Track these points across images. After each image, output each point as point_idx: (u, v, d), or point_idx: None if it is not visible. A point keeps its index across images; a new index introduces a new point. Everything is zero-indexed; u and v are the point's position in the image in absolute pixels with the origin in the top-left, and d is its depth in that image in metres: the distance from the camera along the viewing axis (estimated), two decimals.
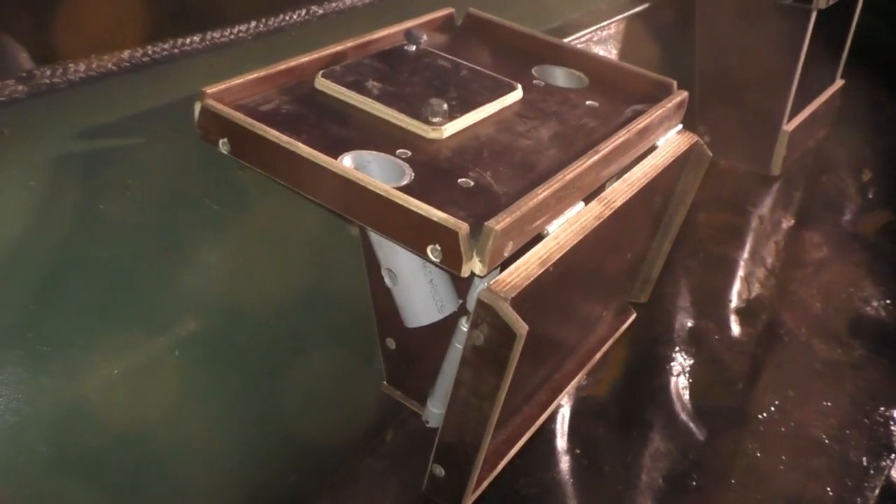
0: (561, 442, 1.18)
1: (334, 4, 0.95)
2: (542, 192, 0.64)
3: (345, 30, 0.85)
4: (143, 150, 0.70)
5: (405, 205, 0.60)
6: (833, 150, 1.89)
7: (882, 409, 1.27)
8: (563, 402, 1.21)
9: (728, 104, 1.54)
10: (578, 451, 1.18)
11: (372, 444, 0.98)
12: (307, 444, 0.84)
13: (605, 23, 1.29)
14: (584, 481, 1.14)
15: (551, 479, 1.13)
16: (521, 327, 0.60)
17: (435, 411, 0.83)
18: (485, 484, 0.77)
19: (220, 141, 0.69)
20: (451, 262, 0.59)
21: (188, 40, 0.80)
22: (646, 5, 1.42)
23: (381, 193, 0.61)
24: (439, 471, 0.74)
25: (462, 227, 0.58)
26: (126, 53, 0.74)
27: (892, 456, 1.20)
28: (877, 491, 1.15)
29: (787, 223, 1.71)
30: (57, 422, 0.59)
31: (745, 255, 1.57)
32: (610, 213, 0.72)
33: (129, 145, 0.69)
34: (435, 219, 0.59)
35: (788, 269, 1.60)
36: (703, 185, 0.89)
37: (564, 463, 1.16)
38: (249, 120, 0.67)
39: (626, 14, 1.35)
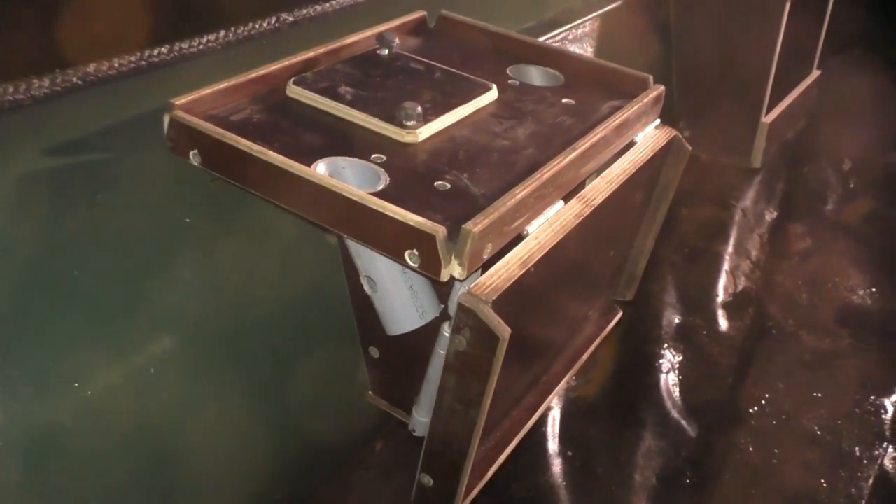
0: (552, 444, 1.17)
1: (304, 11, 0.93)
2: (520, 192, 0.63)
3: (316, 36, 0.84)
4: (111, 164, 0.68)
5: (381, 210, 0.59)
6: (812, 140, 1.89)
7: (872, 397, 1.27)
8: (552, 404, 1.20)
9: (707, 98, 1.54)
10: (570, 453, 1.17)
11: (361, 455, 0.96)
12: (294, 459, 0.83)
13: (579, 21, 1.28)
14: (577, 483, 1.13)
15: (544, 482, 1.12)
16: (504, 330, 0.58)
17: (421, 420, 0.81)
18: (475, 492, 0.75)
19: (191, 152, 0.67)
20: (429, 267, 0.58)
21: (156, 52, 0.78)
22: (620, 2, 1.41)
23: (357, 199, 0.60)
24: (427, 480, 0.72)
25: (439, 231, 0.57)
26: (91, 67, 0.73)
27: (885, 445, 1.20)
28: (870, 481, 1.14)
29: (771, 215, 1.72)
30: (28, 448, 0.57)
31: (730, 248, 1.57)
32: (590, 210, 0.71)
33: (96, 160, 0.68)
34: (411, 223, 0.58)
35: (773, 261, 1.60)
36: (684, 179, 0.89)
37: (557, 465, 1.15)
38: (220, 130, 0.65)
39: (600, 11, 1.35)
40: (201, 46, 0.82)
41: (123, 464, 0.64)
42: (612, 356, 1.31)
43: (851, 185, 1.84)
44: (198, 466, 0.72)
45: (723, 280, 1.50)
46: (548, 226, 0.67)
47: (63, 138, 0.68)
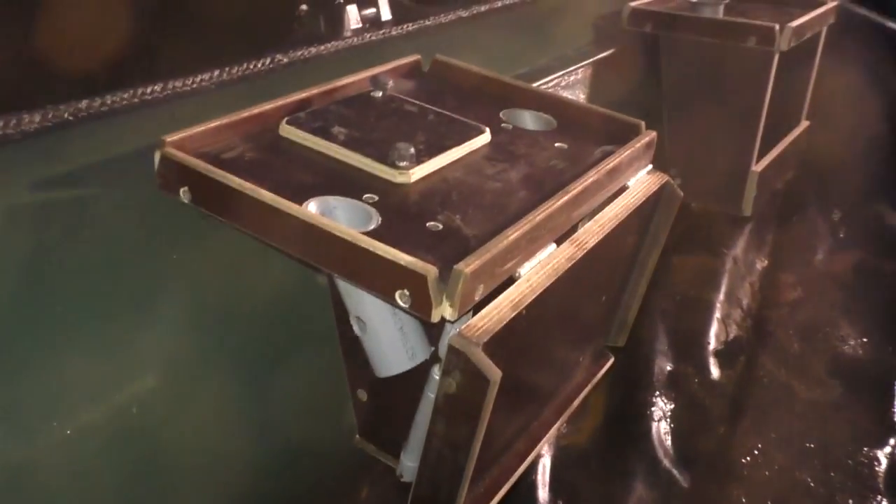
0: (542, 493, 1.14)
1: (299, 53, 0.94)
2: (513, 234, 0.62)
3: (310, 78, 0.84)
4: (99, 200, 0.68)
5: (372, 249, 0.58)
6: (802, 190, 1.90)
7: (865, 449, 1.25)
8: (543, 452, 1.18)
9: (697, 146, 1.55)
10: (561, 503, 1.15)
11: (344, 502, 0.94)
12: (279, 502, 0.81)
13: (572, 68, 1.30)
14: None
15: None
16: (495, 373, 0.57)
17: (409, 465, 0.80)
18: None
19: (181, 189, 0.67)
20: (420, 308, 0.57)
21: (149, 89, 0.78)
22: (612, 51, 1.43)
23: (348, 238, 0.59)
24: None
25: (430, 271, 0.56)
26: (84, 103, 0.73)
27: (879, 498, 1.18)
28: None
29: (761, 264, 1.71)
30: (3, 489, 0.55)
31: (721, 296, 1.56)
32: (582, 254, 0.71)
33: (85, 196, 0.67)
34: (403, 263, 0.57)
35: (765, 309, 1.59)
36: (675, 227, 0.88)
37: None
38: (210, 167, 0.65)
39: (592, 59, 1.36)
40: (195, 85, 0.82)
41: (100, 500, 0.62)
42: (602, 403, 1.30)
43: (841, 235, 1.85)
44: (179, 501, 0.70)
45: (714, 328, 1.49)
46: (540, 268, 0.66)
47: (53, 173, 0.68)
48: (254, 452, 0.76)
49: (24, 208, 0.64)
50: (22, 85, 0.73)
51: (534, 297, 0.64)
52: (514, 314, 0.62)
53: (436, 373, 0.72)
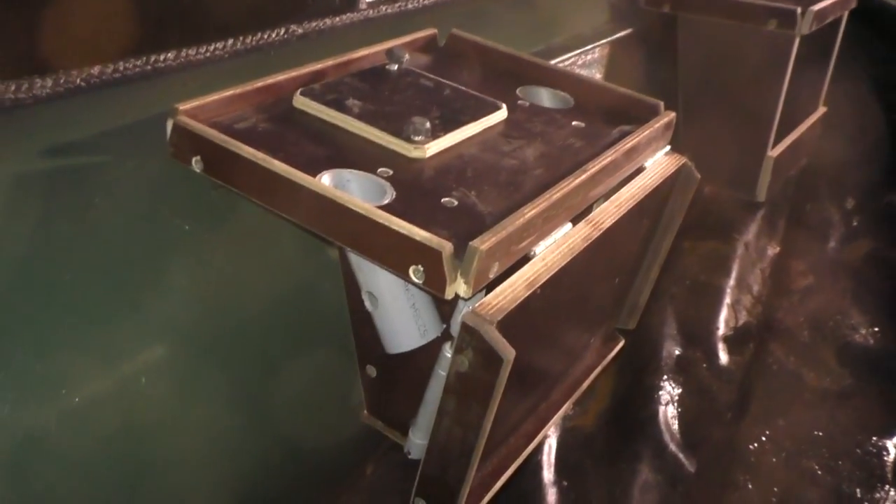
0: (548, 474, 1.14)
1: (314, 24, 0.93)
2: (529, 212, 0.61)
3: (325, 49, 0.83)
4: (111, 168, 0.67)
5: (386, 224, 0.57)
6: (816, 177, 1.88)
7: (874, 438, 1.25)
8: (549, 433, 1.18)
9: (713, 129, 1.53)
10: (566, 484, 1.14)
11: (351, 478, 0.94)
12: (283, 479, 0.80)
13: (588, 47, 1.28)
14: None
15: None
16: (509, 352, 0.57)
17: (417, 442, 0.79)
18: None
19: (193, 159, 0.66)
20: (434, 284, 0.57)
21: (161, 57, 0.77)
22: (629, 31, 1.41)
23: (361, 212, 0.58)
24: None
25: (446, 247, 0.55)
26: (96, 69, 0.72)
27: (887, 488, 1.17)
28: None
29: (773, 250, 1.70)
30: (12, 456, 0.55)
31: (732, 282, 1.55)
32: (598, 234, 0.70)
33: (96, 163, 0.66)
34: (417, 238, 0.56)
35: (775, 296, 1.58)
36: (687, 211, 0.87)
37: (551, 496, 1.12)
38: (224, 137, 0.64)
39: (609, 39, 1.34)
40: (208, 54, 0.81)
41: (108, 472, 0.61)
42: (610, 386, 1.29)
43: (854, 224, 1.83)
44: (184, 480, 0.70)
45: (724, 314, 1.48)
46: (555, 247, 0.65)
47: (63, 140, 0.67)
48: (261, 426, 0.76)
49: (35, 175, 0.63)
50: (34, 50, 0.72)
51: (549, 276, 0.63)
52: (528, 293, 0.61)
53: (447, 350, 0.71)
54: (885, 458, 1.22)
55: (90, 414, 0.59)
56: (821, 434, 1.25)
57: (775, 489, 1.16)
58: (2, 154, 0.63)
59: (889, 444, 1.24)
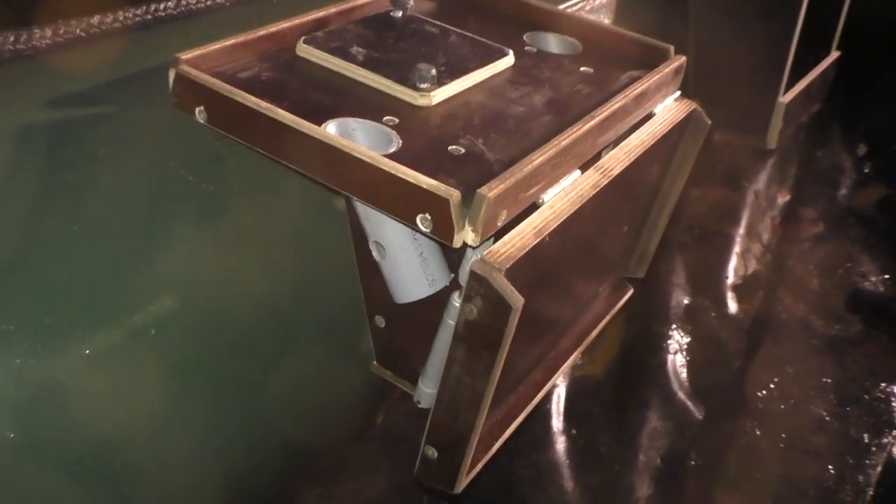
0: (556, 422, 1.15)
1: None
2: (537, 159, 0.61)
3: None
4: (113, 119, 0.66)
5: (393, 172, 0.57)
6: (827, 124, 1.86)
7: (883, 384, 1.25)
8: (558, 382, 1.19)
9: (723, 76, 1.51)
10: (574, 432, 1.16)
11: (361, 427, 0.95)
12: (293, 429, 0.81)
13: None
14: (580, 462, 1.11)
15: (547, 460, 1.11)
16: (517, 300, 0.56)
17: (427, 391, 0.80)
18: (479, 466, 0.74)
19: (197, 109, 0.65)
20: (442, 232, 0.56)
21: (161, 6, 0.76)
22: None
23: (368, 160, 0.57)
24: (432, 452, 0.71)
25: (453, 195, 0.55)
26: (95, 19, 0.70)
27: (894, 433, 1.18)
28: (879, 468, 1.13)
29: (783, 198, 1.69)
30: (24, 405, 0.55)
31: (741, 230, 1.55)
32: (607, 181, 0.69)
33: (98, 114, 0.66)
34: (425, 186, 0.55)
35: (785, 245, 1.57)
36: (697, 159, 0.86)
37: (560, 444, 1.13)
38: (227, 86, 0.63)
39: None
40: (209, 2, 0.80)
41: (120, 421, 0.62)
42: (618, 335, 1.30)
43: (866, 171, 1.81)
44: (194, 431, 0.70)
45: (733, 262, 1.48)
46: (564, 195, 0.65)
47: (65, 91, 0.66)
48: (270, 377, 0.76)
49: (38, 126, 0.63)
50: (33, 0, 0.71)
51: (557, 223, 0.62)
52: (537, 241, 0.60)
53: (456, 299, 0.71)
54: (893, 404, 1.23)
55: (101, 365, 0.59)
56: (829, 381, 1.26)
57: (783, 435, 1.17)
58: (4, 106, 0.63)
59: None
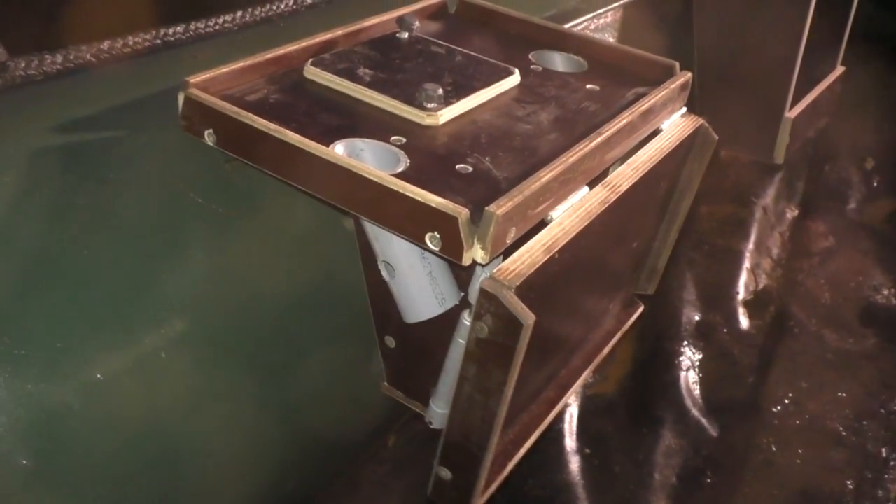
0: (570, 441, 1.14)
1: None
2: (545, 176, 0.61)
3: (335, 19, 0.82)
4: (123, 143, 0.66)
5: (401, 191, 0.57)
6: (835, 138, 1.86)
7: None
8: (570, 401, 1.18)
9: (729, 92, 1.51)
10: (588, 451, 1.15)
11: (373, 449, 0.94)
12: (305, 451, 0.81)
13: (601, 11, 1.26)
14: (594, 481, 1.10)
15: (561, 480, 1.10)
16: (528, 317, 0.56)
17: (438, 411, 0.79)
18: (493, 487, 0.73)
19: (206, 132, 0.65)
20: (451, 251, 0.56)
21: (171, 31, 0.76)
22: None
23: (377, 180, 0.58)
24: (445, 473, 0.70)
25: (462, 213, 0.55)
26: (106, 44, 0.71)
27: None
28: None
29: (792, 213, 1.69)
30: (36, 430, 0.55)
31: (751, 246, 1.54)
32: (616, 197, 0.69)
33: (108, 138, 0.66)
34: (433, 204, 0.55)
35: (795, 259, 1.57)
36: (704, 176, 0.86)
37: (574, 463, 1.12)
38: (236, 109, 0.64)
39: (622, 2, 1.32)
40: (217, 27, 0.81)
41: (131, 447, 0.62)
42: (630, 352, 1.29)
43: (874, 184, 1.81)
44: (206, 455, 0.70)
45: (743, 278, 1.47)
46: (572, 211, 0.65)
47: (75, 115, 0.67)
48: (281, 400, 0.76)
49: (49, 151, 0.63)
50: (44, 25, 0.71)
51: (566, 240, 0.62)
52: (546, 258, 0.60)
53: (466, 318, 0.71)
54: None
55: (111, 390, 0.59)
56: (844, 395, 1.24)
57: (800, 451, 1.16)
58: (16, 130, 0.63)
59: None
